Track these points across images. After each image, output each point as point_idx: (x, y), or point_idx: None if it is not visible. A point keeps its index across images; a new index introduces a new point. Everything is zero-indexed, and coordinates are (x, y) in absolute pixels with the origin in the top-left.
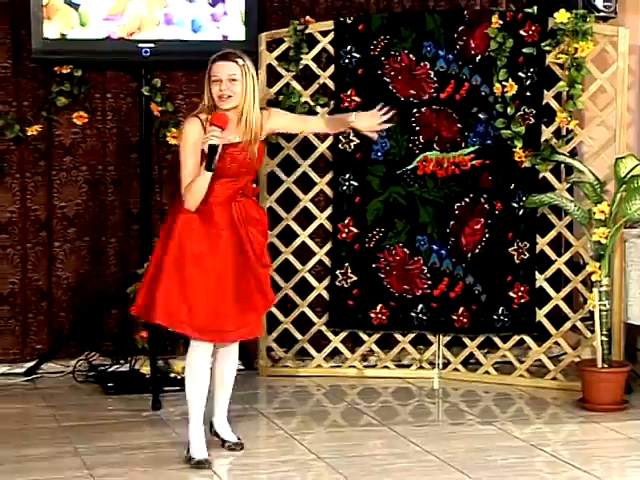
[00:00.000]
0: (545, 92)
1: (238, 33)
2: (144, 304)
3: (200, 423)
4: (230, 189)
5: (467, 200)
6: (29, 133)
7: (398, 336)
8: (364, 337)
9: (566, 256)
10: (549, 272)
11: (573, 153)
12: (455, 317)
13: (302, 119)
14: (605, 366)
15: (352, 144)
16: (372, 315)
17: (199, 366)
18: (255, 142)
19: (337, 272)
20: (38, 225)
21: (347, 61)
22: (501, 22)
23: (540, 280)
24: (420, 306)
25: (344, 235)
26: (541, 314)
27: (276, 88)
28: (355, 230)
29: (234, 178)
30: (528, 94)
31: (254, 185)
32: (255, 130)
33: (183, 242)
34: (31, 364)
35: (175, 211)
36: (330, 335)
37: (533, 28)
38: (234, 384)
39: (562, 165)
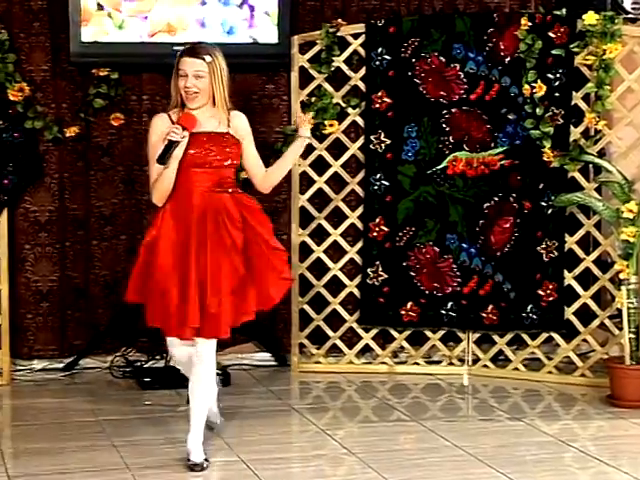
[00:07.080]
0: (574, 93)
1: (271, 36)
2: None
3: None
4: (208, 180)
5: (496, 199)
6: (67, 134)
7: (428, 333)
8: (395, 334)
9: (594, 254)
10: (577, 270)
11: (601, 153)
12: (484, 314)
13: (252, 163)
14: (633, 363)
15: (383, 145)
16: (402, 312)
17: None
18: (226, 135)
19: (368, 270)
20: (76, 224)
21: (378, 63)
22: (530, 24)
23: (568, 278)
24: (450, 303)
25: (375, 234)
26: (569, 312)
27: (308, 90)
28: (386, 229)
29: (209, 168)
30: (557, 95)
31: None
32: (223, 123)
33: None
34: (70, 360)
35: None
36: (361, 332)
37: (562, 30)
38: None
39: (590, 165)
